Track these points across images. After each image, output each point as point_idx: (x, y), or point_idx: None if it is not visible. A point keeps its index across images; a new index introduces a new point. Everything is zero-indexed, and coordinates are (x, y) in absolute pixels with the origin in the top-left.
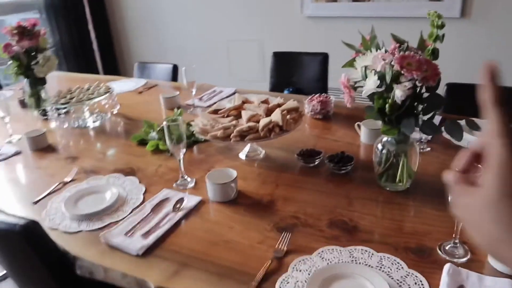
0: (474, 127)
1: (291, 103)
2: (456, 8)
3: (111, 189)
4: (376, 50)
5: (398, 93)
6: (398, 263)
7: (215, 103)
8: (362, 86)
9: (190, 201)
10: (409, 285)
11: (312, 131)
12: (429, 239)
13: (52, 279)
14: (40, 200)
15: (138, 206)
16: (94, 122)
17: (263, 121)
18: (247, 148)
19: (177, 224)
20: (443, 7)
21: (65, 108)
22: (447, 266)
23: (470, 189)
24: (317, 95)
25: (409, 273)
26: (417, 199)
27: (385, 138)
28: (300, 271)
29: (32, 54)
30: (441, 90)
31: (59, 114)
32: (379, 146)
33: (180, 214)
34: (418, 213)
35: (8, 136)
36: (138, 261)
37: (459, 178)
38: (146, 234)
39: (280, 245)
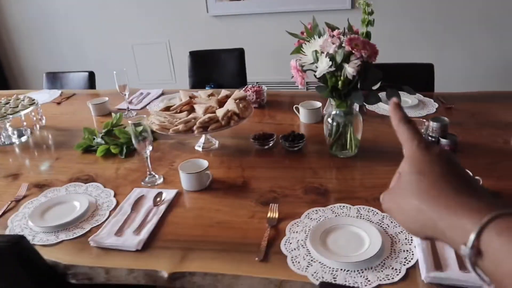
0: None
1: (238, 93)
2: (347, 0)
3: (77, 197)
4: (319, 37)
5: (350, 70)
6: (372, 210)
7: (147, 104)
8: (311, 70)
9: (168, 194)
10: (387, 224)
11: (254, 119)
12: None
13: None
14: None
15: (114, 208)
16: (20, 137)
17: (221, 111)
18: (201, 140)
19: (163, 216)
20: (336, 0)
21: None
22: None
23: (391, 187)
24: (251, 85)
25: (383, 216)
26: (366, 161)
27: (334, 112)
28: (296, 232)
29: None
30: None
31: None
32: (329, 120)
33: (162, 207)
34: (371, 171)
35: None
36: (139, 255)
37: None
38: (137, 230)
39: (271, 215)
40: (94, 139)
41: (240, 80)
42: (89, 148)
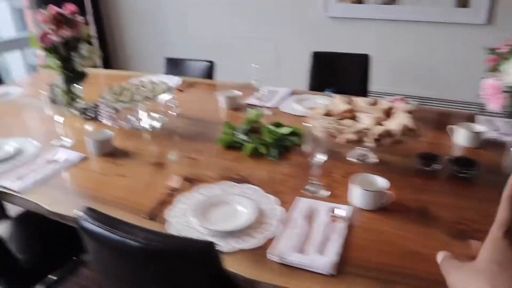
0: None
1: (407, 106)
2: (482, 15)
3: (239, 200)
4: None
5: None
6: None
7: (278, 103)
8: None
9: (341, 209)
10: None
11: None
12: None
13: None
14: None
15: (284, 219)
16: (155, 122)
17: (395, 124)
18: (357, 151)
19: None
20: (469, 14)
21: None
22: None
23: (462, 263)
24: (395, 97)
25: None
26: None
27: None
28: None
29: (72, 45)
30: None
31: (109, 114)
32: None
33: (341, 225)
34: None
35: (58, 138)
36: (330, 280)
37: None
38: (320, 249)
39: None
40: (235, 134)
41: (361, 88)
42: (233, 144)
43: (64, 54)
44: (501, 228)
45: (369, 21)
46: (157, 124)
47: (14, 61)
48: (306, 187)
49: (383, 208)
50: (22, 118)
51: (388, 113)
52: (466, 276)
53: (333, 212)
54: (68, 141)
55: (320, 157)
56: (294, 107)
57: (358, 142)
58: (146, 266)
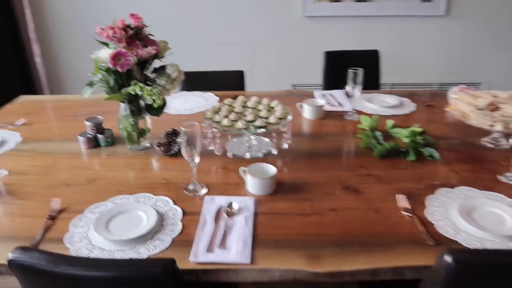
0: None
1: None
2: (442, 7)
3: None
4: None
5: None
6: None
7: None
8: None
9: None
10: None
11: None
12: None
13: None
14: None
15: None
16: (267, 150)
17: None
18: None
19: None
20: (431, 7)
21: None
22: None
23: None
24: (460, 86)
25: None
26: None
27: None
28: None
29: (150, 66)
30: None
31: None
32: None
33: None
34: None
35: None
36: None
37: None
38: None
39: None
40: (380, 142)
41: (374, 81)
42: (386, 153)
43: (139, 78)
44: None
45: (343, 18)
46: (273, 151)
47: None
48: None
49: None
50: (88, 173)
51: None
52: None
53: None
54: (201, 187)
55: None
56: (369, 106)
57: None
58: None
